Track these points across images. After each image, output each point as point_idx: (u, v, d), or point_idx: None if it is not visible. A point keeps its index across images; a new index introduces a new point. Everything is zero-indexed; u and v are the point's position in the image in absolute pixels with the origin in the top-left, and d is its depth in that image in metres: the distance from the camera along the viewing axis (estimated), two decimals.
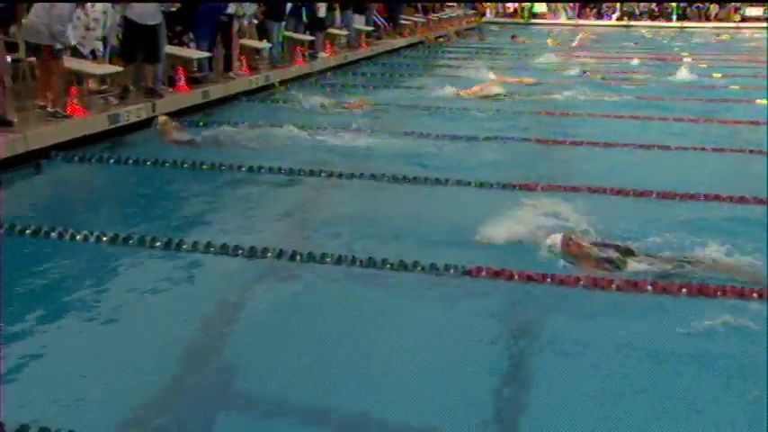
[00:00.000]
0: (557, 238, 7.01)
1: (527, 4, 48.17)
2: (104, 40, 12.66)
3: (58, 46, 10.76)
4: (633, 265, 6.71)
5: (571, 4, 48.16)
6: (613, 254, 6.82)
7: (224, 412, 4.66)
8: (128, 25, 12.74)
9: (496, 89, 16.95)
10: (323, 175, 9.79)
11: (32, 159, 9.96)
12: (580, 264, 6.76)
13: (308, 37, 20.03)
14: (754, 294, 6.18)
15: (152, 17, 12.66)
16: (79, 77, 11.70)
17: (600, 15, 46.97)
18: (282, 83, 17.29)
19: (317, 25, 20.64)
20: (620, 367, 5.13)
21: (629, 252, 6.88)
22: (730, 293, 6.19)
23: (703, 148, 11.68)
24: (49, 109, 10.76)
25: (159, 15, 12.84)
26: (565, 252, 6.89)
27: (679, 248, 7.01)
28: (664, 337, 5.52)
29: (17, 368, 5.05)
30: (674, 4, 46.29)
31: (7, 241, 7.28)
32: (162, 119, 11.96)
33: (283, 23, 18.63)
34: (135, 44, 12.74)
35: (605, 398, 4.76)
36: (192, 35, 14.94)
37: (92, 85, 12.42)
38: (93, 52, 12.17)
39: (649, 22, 44.69)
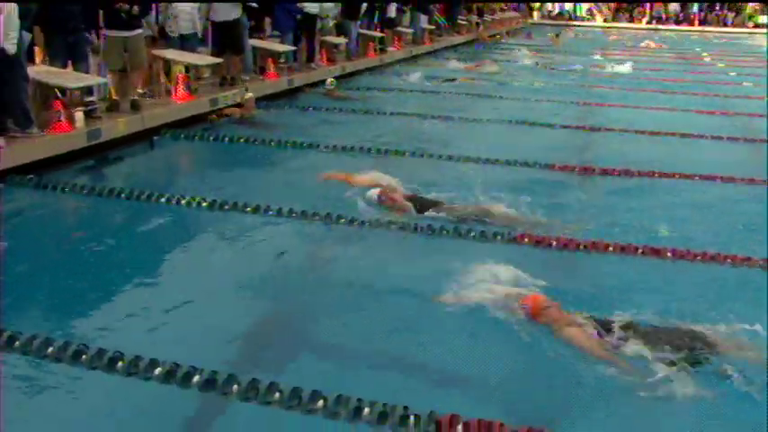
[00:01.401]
0: (373, 192, 7.34)
1: (568, 7, 47.32)
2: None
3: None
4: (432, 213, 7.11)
5: (606, 10, 47.10)
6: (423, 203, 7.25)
7: (297, 353, 4.70)
8: (213, 24, 12.90)
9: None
10: (388, 153, 9.76)
11: (147, 136, 10.12)
12: (393, 211, 7.13)
13: (378, 34, 19.98)
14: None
15: (226, 14, 12.71)
16: (187, 67, 11.82)
17: (632, 19, 45.85)
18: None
19: (387, 24, 20.62)
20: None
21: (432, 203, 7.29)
22: None
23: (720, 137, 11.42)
24: (138, 90, 10.77)
25: (235, 12, 12.86)
26: (380, 203, 7.25)
27: None
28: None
29: (132, 306, 5.19)
30: (695, 6, 45.08)
31: (125, 205, 7.43)
32: (248, 95, 12.03)
33: (359, 22, 18.62)
34: (220, 39, 12.86)
35: None
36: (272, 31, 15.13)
37: (197, 73, 12.55)
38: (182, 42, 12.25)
39: (674, 26, 43.53)
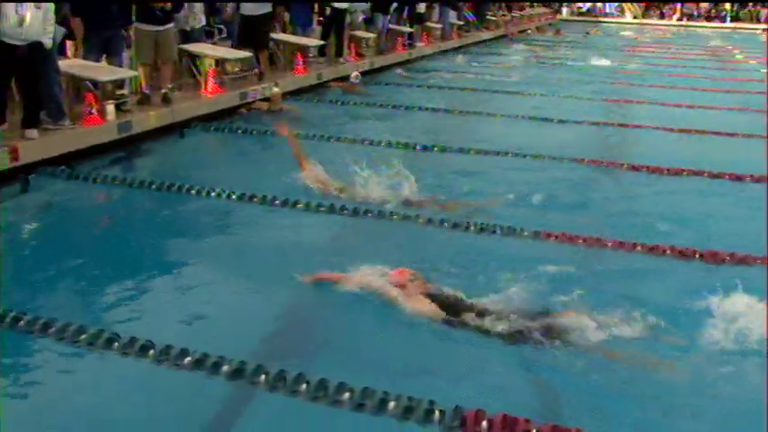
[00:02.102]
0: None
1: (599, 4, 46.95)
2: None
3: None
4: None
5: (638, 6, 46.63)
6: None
7: (324, 345, 4.75)
8: (242, 20, 12.96)
9: None
10: (415, 147, 9.79)
11: (177, 129, 10.21)
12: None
13: (407, 29, 19.96)
14: None
15: (256, 8, 12.84)
16: (218, 62, 11.90)
17: (662, 16, 45.38)
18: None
19: (416, 19, 20.59)
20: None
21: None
22: None
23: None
24: (169, 86, 10.74)
25: (265, 7, 12.98)
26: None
27: None
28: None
29: (163, 295, 5.27)
30: (728, 6, 44.42)
31: (156, 195, 7.51)
32: (275, 90, 12.02)
33: (388, 16, 18.62)
34: (248, 34, 12.93)
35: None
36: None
37: (228, 67, 12.61)
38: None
39: (705, 23, 43.01)
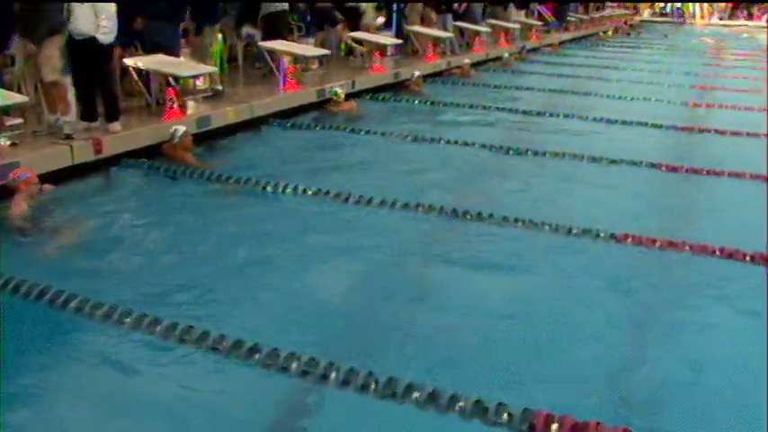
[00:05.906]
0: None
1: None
2: None
3: None
4: None
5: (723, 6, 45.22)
6: None
7: (395, 344, 4.69)
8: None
9: None
10: (501, 150, 9.68)
11: (256, 125, 10.32)
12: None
13: (485, 28, 19.81)
14: None
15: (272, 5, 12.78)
16: (296, 59, 11.99)
17: (750, 17, 43.87)
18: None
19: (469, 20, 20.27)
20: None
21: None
22: None
23: None
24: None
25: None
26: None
27: None
28: None
29: (234, 289, 5.29)
30: None
31: (232, 190, 7.58)
32: (343, 97, 11.98)
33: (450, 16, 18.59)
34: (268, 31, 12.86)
35: None
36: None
37: (304, 64, 12.72)
38: None
39: None
